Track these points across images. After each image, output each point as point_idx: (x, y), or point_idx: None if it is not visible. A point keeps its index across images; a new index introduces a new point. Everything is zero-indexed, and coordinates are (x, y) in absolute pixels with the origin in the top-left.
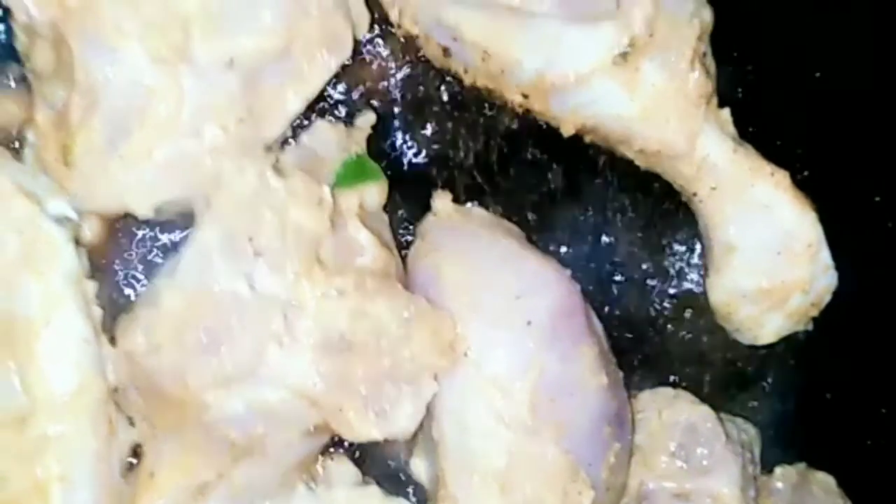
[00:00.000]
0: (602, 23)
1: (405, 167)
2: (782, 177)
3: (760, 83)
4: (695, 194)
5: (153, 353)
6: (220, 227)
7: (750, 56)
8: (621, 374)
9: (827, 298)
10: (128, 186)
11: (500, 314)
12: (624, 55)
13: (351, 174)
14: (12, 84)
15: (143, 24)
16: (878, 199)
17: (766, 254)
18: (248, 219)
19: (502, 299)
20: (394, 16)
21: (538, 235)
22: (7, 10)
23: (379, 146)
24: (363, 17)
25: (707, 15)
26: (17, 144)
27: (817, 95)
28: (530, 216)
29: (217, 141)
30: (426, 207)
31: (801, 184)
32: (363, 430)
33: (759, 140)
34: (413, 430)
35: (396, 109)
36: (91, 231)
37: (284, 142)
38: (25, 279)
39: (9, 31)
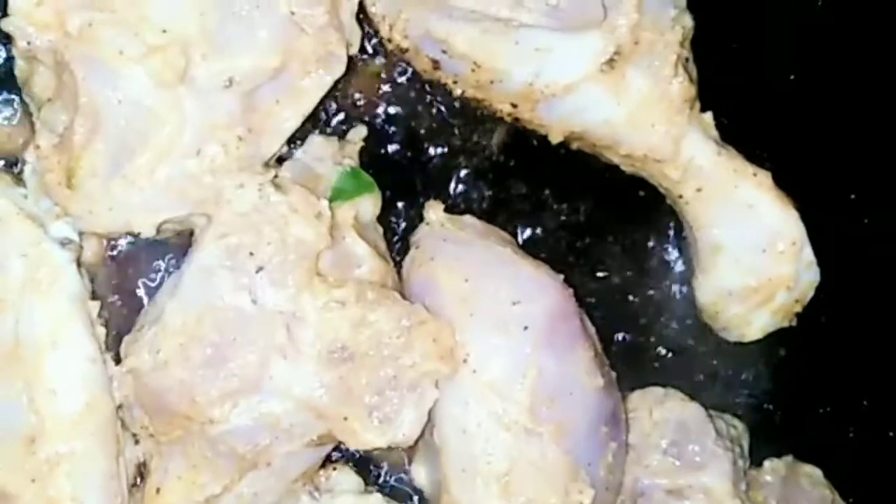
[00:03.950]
0: (588, 32)
1: (397, 179)
2: (764, 177)
3: (735, 87)
4: (680, 196)
5: (159, 371)
6: (222, 244)
7: (721, 60)
8: (614, 374)
9: (810, 294)
10: (131, 207)
11: (497, 320)
12: (610, 63)
13: (346, 187)
14: (13, 115)
15: (144, 48)
16: (853, 196)
17: (751, 253)
18: (249, 234)
19: (499, 306)
20: (384, 30)
21: (528, 243)
22: (8, 37)
23: (371, 159)
24: (354, 32)
25: (688, 21)
26: (18, 169)
27: (791, 97)
28: (521, 224)
29: (217, 159)
30: (419, 218)
31: (779, 184)
32: (367, 437)
33: (737, 143)
34: (416, 436)
35: (387, 122)
36: (92, 252)
37: (280, 158)
38: (31, 301)
39: (8, 63)
